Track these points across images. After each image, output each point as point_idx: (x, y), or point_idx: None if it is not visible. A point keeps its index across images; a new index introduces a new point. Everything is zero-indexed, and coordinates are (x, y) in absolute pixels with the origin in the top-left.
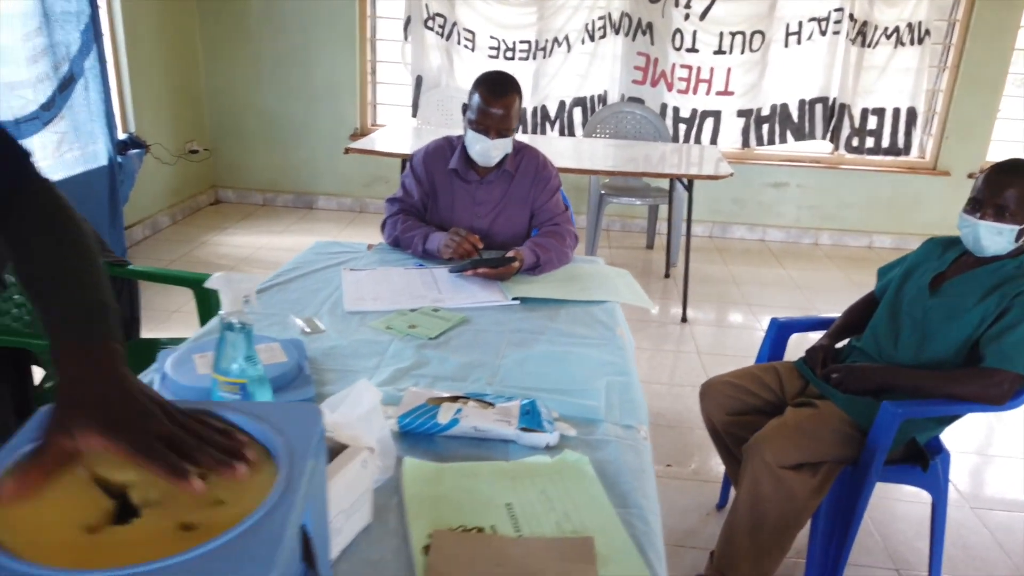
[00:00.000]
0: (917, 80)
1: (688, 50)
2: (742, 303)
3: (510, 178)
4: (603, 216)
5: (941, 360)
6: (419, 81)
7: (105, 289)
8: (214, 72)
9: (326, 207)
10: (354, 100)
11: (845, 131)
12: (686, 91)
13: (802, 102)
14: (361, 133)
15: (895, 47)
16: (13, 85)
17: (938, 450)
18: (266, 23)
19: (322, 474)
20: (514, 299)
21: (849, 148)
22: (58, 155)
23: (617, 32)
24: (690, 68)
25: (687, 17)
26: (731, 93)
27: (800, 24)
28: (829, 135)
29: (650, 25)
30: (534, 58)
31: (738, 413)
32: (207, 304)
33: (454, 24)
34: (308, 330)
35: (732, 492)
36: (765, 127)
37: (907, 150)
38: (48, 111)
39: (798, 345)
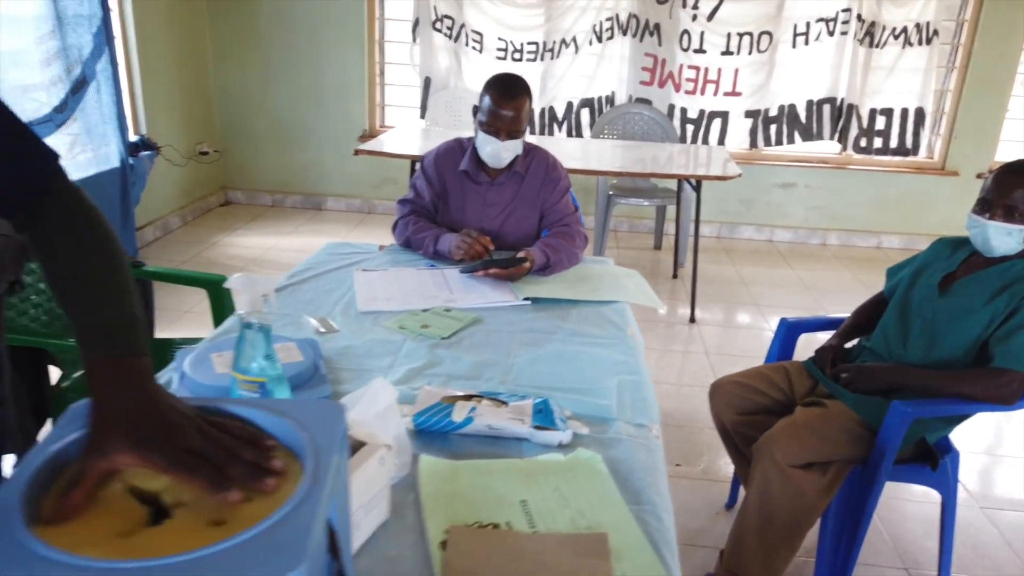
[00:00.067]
0: (925, 80)
1: (696, 51)
2: (750, 303)
3: (520, 179)
4: (611, 217)
5: (950, 360)
6: (427, 83)
7: (133, 298)
8: (224, 74)
9: (335, 208)
10: (363, 102)
11: (853, 131)
12: (693, 92)
13: (810, 103)
14: (370, 135)
15: (903, 47)
16: (27, 88)
17: (947, 450)
18: (275, 25)
19: (345, 470)
20: (525, 299)
21: (857, 148)
22: (71, 157)
23: (624, 33)
24: (697, 69)
25: (694, 18)
26: (739, 94)
27: (808, 25)
28: (837, 135)
29: (657, 26)
30: (542, 59)
31: (747, 412)
32: (221, 304)
33: (462, 26)
34: (323, 330)
35: (741, 491)
36: (773, 128)
37: (915, 150)
38: (61, 113)
39: (807, 345)
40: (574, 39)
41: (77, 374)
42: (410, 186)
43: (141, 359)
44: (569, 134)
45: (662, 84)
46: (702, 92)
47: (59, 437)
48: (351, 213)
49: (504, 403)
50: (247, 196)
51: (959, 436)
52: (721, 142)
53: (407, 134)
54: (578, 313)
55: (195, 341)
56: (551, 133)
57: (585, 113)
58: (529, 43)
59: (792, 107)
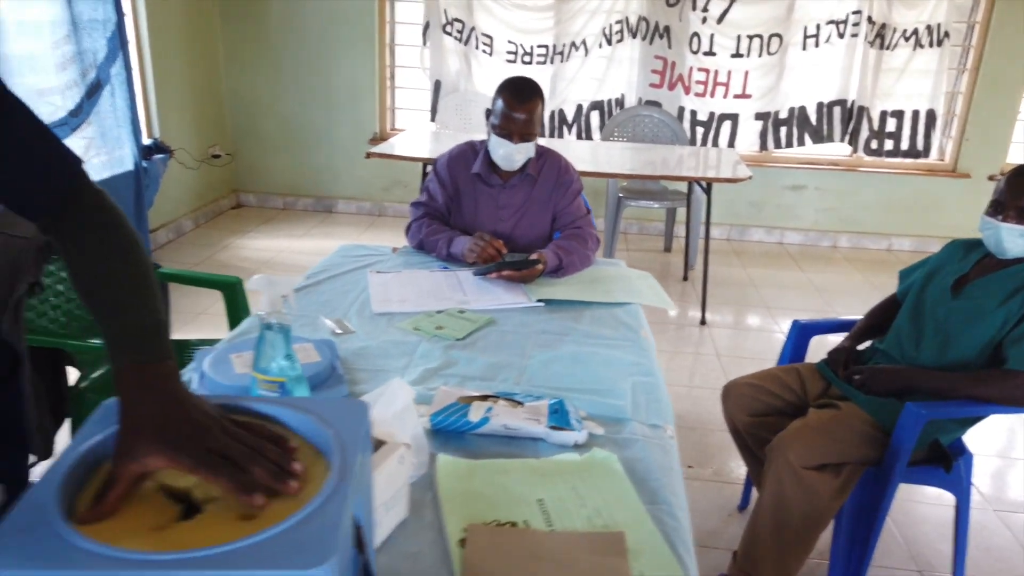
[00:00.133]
0: (936, 82)
1: (705, 53)
2: (760, 306)
3: (533, 182)
4: (620, 219)
5: (964, 362)
6: (437, 86)
7: (157, 301)
8: (235, 78)
9: (345, 211)
10: (373, 105)
11: (864, 133)
12: (703, 94)
13: (820, 105)
14: (380, 137)
15: (914, 49)
16: (43, 92)
17: (961, 452)
18: (286, 30)
19: (368, 467)
20: (538, 301)
21: (868, 151)
22: (86, 160)
23: (634, 36)
24: (707, 71)
25: (704, 20)
26: (748, 96)
27: (818, 27)
28: (848, 138)
29: (667, 28)
30: (551, 62)
31: (760, 414)
32: (236, 306)
33: (472, 29)
34: (339, 331)
35: (754, 493)
36: (783, 130)
37: (926, 152)
38: (76, 117)
39: (818, 348)
40: (584, 42)
41: (95, 374)
42: (423, 189)
43: (167, 363)
44: (579, 137)
45: (672, 87)
46: (712, 94)
47: (91, 434)
48: (362, 216)
49: (520, 403)
50: (258, 199)
51: (972, 438)
52: (731, 144)
53: (417, 137)
54: (591, 315)
55: (212, 342)
56: (561, 136)
57: (595, 116)
58: (539, 46)
59: (802, 109)
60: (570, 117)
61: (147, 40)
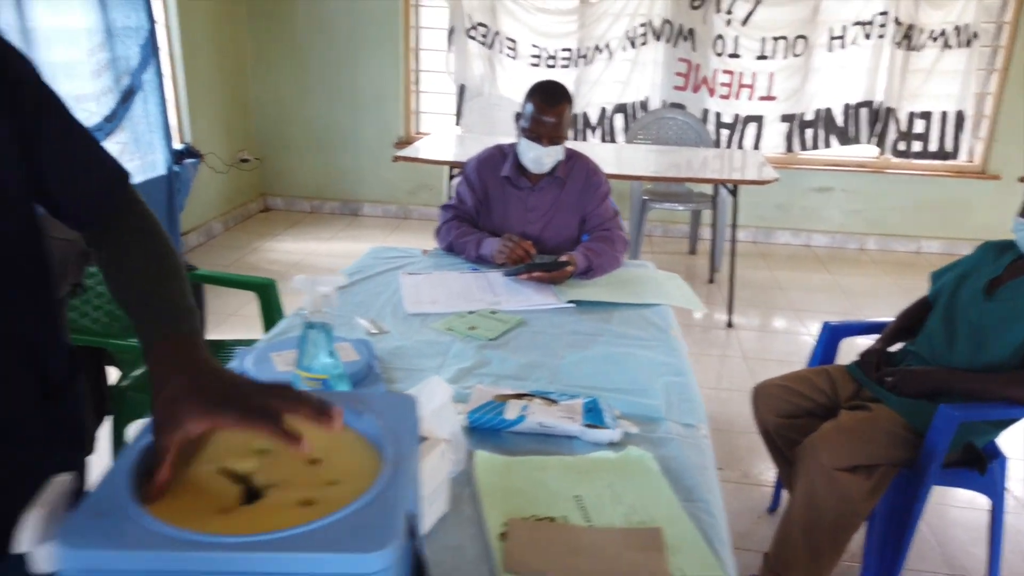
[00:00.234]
0: (965, 83)
1: (730, 55)
2: (788, 308)
3: (561, 184)
4: (645, 222)
5: (997, 364)
6: (462, 90)
7: (189, 296)
8: (263, 84)
9: (371, 214)
10: (398, 109)
11: (891, 135)
12: (728, 96)
13: (847, 106)
14: (405, 141)
15: (942, 50)
16: (79, 98)
17: (995, 454)
18: (312, 36)
19: (417, 459)
20: (568, 302)
21: (896, 152)
22: None
23: (658, 38)
24: (732, 73)
25: (728, 23)
26: (774, 98)
27: (844, 28)
28: (876, 139)
29: (691, 31)
30: (575, 65)
31: (791, 416)
32: (270, 307)
33: (496, 33)
34: (374, 331)
35: (784, 495)
36: (809, 132)
37: (955, 154)
38: (111, 123)
39: (848, 350)
40: (607, 45)
41: (136, 372)
42: (454, 192)
43: (195, 338)
44: (603, 140)
45: (696, 89)
46: (736, 96)
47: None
48: (387, 218)
49: (554, 402)
50: (286, 202)
51: (1007, 441)
52: (756, 147)
53: (442, 140)
54: (621, 316)
55: (247, 342)
56: (585, 139)
57: (619, 118)
58: (563, 49)
59: (828, 111)
60: (594, 120)
61: (179, 47)
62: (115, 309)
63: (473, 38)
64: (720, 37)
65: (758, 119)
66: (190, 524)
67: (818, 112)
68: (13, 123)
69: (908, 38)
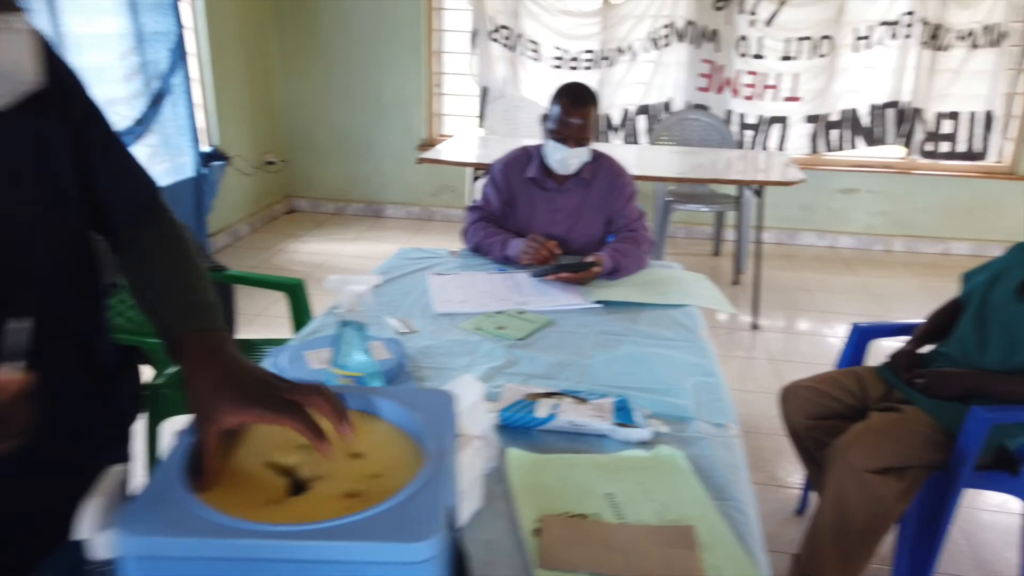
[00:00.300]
0: (993, 83)
1: (754, 56)
2: (813, 310)
3: (587, 185)
4: (668, 223)
5: None
6: (485, 92)
7: (214, 294)
8: (289, 87)
9: (394, 215)
10: (420, 112)
11: (918, 136)
12: (752, 97)
13: (873, 107)
14: (428, 143)
15: (970, 49)
16: (111, 102)
17: None
18: (337, 40)
19: (455, 454)
20: (595, 303)
21: (923, 153)
22: (150, 168)
23: (682, 40)
24: (756, 74)
25: (752, 23)
26: (798, 99)
27: (870, 28)
28: (903, 140)
29: (715, 32)
30: (598, 67)
31: (820, 417)
32: (299, 307)
33: (519, 36)
34: (404, 330)
35: (812, 497)
36: (834, 133)
37: (984, 154)
38: (141, 126)
39: (877, 352)
40: (630, 47)
41: (169, 370)
42: (480, 193)
43: (223, 332)
44: (625, 141)
45: (719, 90)
46: (761, 97)
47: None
48: (410, 220)
49: (584, 401)
50: (310, 204)
51: None
52: (781, 147)
53: (465, 142)
54: (648, 316)
55: (276, 342)
56: (607, 140)
57: (642, 120)
58: (585, 51)
59: (854, 112)
60: (616, 122)
61: (208, 52)
62: None
63: (496, 40)
64: (744, 38)
65: (783, 120)
66: (240, 514)
67: (844, 113)
68: (67, 129)
69: (935, 38)
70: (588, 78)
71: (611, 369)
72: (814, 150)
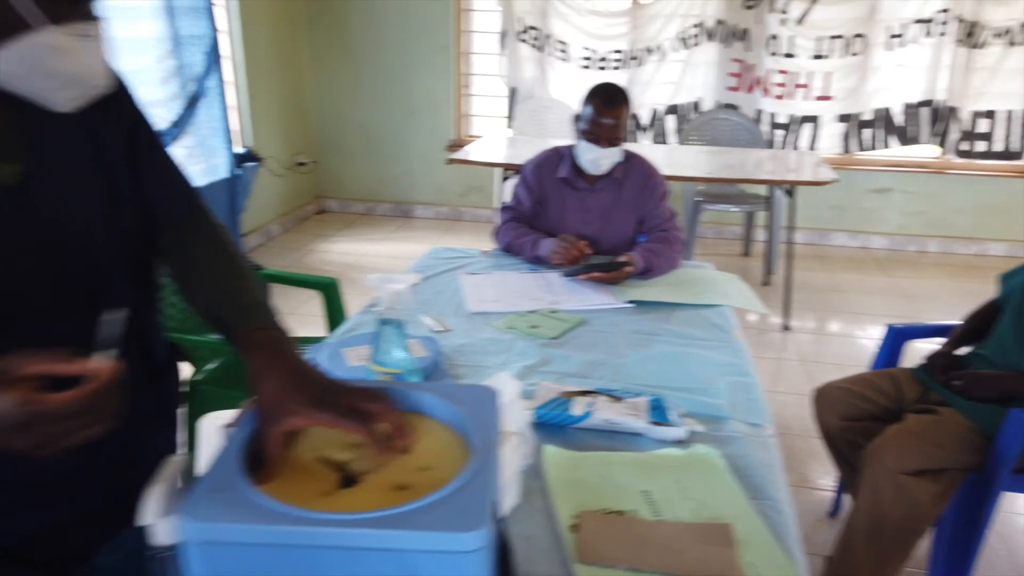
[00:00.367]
0: None
1: (785, 55)
2: (845, 311)
3: (619, 185)
4: (698, 223)
5: None
6: (513, 92)
7: (265, 293)
8: (320, 89)
9: (423, 216)
10: (449, 113)
11: (953, 135)
12: (783, 97)
13: (907, 105)
14: (457, 144)
15: (1007, 47)
16: (149, 104)
17: None
18: (367, 41)
19: (498, 448)
20: (628, 302)
21: (958, 152)
22: (185, 168)
23: (711, 39)
24: (787, 73)
25: (783, 22)
26: (830, 98)
27: (904, 26)
28: (937, 139)
29: (745, 31)
30: (626, 67)
31: (854, 419)
32: (333, 306)
33: (547, 36)
34: (439, 328)
35: (845, 499)
36: (867, 132)
37: (1021, 154)
38: (177, 128)
39: (912, 354)
40: (659, 46)
41: (209, 367)
42: (512, 193)
43: (286, 333)
44: (655, 141)
45: (749, 89)
46: (792, 97)
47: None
48: (439, 220)
49: (619, 399)
50: (340, 204)
51: None
52: (812, 147)
53: (494, 143)
54: (681, 316)
55: (312, 340)
56: (636, 140)
57: (671, 120)
58: (614, 51)
59: (887, 111)
60: (645, 122)
61: (242, 55)
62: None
63: (524, 41)
64: (774, 37)
65: (814, 119)
66: (297, 503)
67: (877, 112)
68: (122, 131)
69: (971, 35)
70: (617, 78)
71: (645, 368)
72: (846, 150)
